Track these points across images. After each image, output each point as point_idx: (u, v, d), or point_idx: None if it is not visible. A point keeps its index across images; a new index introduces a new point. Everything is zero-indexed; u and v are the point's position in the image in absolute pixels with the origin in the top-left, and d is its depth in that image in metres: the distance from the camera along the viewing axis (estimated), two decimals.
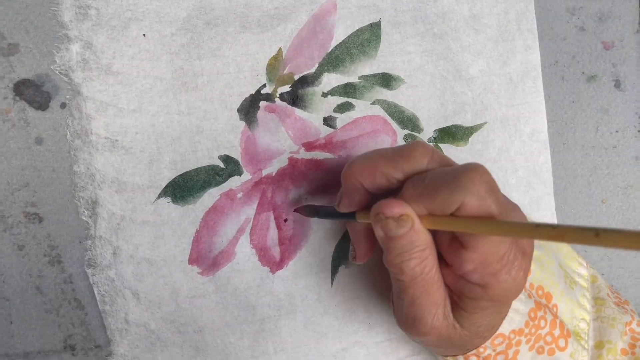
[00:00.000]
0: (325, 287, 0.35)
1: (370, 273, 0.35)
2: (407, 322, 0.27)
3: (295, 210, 0.33)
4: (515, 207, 0.26)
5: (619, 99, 0.40)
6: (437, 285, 0.26)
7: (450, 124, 0.36)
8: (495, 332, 0.28)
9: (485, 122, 0.37)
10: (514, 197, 0.38)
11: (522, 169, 0.38)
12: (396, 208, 0.24)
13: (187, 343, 0.33)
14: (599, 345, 0.32)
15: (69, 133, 0.31)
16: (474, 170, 0.23)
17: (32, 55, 0.30)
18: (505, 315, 0.28)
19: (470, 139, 0.37)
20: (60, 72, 0.30)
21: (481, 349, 0.28)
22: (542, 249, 0.33)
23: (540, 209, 0.39)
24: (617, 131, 0.40)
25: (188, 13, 0.32)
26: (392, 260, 0.25)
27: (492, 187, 0.23)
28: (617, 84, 0.40)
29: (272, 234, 0.34)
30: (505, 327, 0.28)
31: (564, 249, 0.36)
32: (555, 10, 0.39)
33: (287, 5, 0.33)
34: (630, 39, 0.40)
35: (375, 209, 0.25)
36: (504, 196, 0.26)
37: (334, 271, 0.35)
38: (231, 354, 0.33)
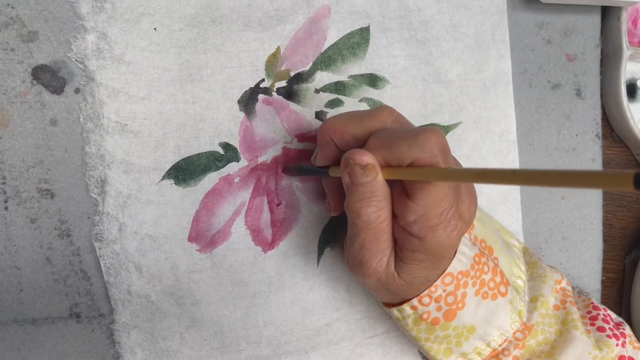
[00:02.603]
0: (312, 267, 0.38)
1: None
2: (355, 263, 0.30)
3: (282, 171, 0.36)
4: (459, 165, 0.30)
5: (579, 106, 0.44)
6: (386, 237, 0.29)
7: (429, 122, 0.40)
8: (429, 284, 0.31)
9: (460, 122, 0.41)
10: (485, 191, 0.42)
11: (493, 165, 0.42)
12: (365, 156, 0.27)
13: (185, 314, 0.35)
14: (533, 300, 0.36)
15: (82, 116, 0.33)
16: (431, 132, 0.26)
17: (50, 43, 0.33)
18: (441, 270, 0.31)
19: (446, 136, 0.41)
20: (76, 60, 0.33)
21: (433, 289, 0.31)
22: (481, 219, 0.37)
23: (507, 202, 0.43)
24: (577, 135, 0.44)
25: (196, 10, 0.35)
26: (352, 204, 0.28)
27: (444, 149, 0.27)
28: (578, 93, 0.44)
29: (265, 216, 0.37)
30: (454, 267, 0.31)
31: (496, 224, 0.39)
32: (526, 24, 0.43)
33: (286, 7, 0.36)
34: (591, 53, 0.44)
35: (346, 154, 0.28)
36: (455, 159, 0.30)
37: (320, 252, 0.38)
38: (224, 326, 0.36)
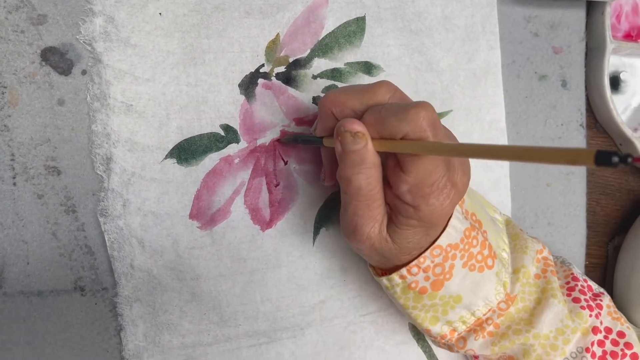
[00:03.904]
0: (308, 246, 0.39)
1: None
2: (349, 229, 0.32)
3: (278, 140, 0.38)
4: (452, 138, 0.32)
5: (565, 96, 0.46)
6: (378, 203, 0.30)
7: None
8: (421, 250, 0.32)
9: (451, 110, 0.43)
10: (475, 178, 0.43)
11: None
12: (355, 125, 0.29)
13: (185, 289, 0.37)
14: (515, 271, 0.38)
15: (88, 96, 0.34)
16: (421, 106, 0.28)
17: (59, 25, 0.34)
18: (432, 237, 0.32)
19: None
20: (84, 42, 0.34)
21: (421, 259, 0.32)
22: (469, 194, 0.38)
23: (498, 189, 0.45)
24: (562, 124, 0.46)
25: None
26: (344, 171, 0.30)
27: (434, 123, 0.28)
28: (564, 84, 0.46)
29: (264, 196, 0.38)
30: (443, 240, 0.32)
31: (481, 199, 0.41)
32: (514, 17, 0.45)
33: None
34: (577, 46, 0.46)
35: (339, 123, 0.30)
36: (445, 130, 0.31)
37: (316, 232, 0.40)
38: (223, 301, 0.37)
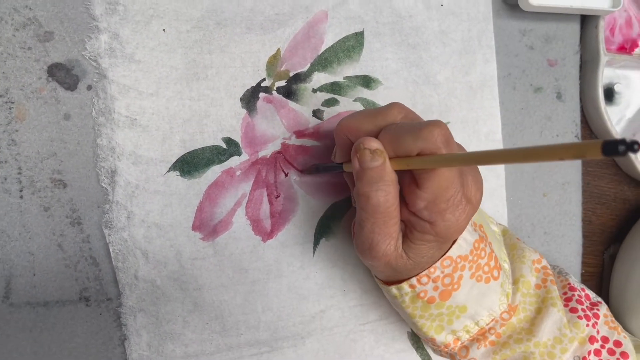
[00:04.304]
0: (308, 256, 0.40)
1: (346, 247, 0.41)
2: (364, 246, 0.32)
3: (301, 172, 0.39)
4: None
5: (560, 108, 0.47)
6: (395, 221, 0.31)
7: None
8: (433, 263, 0.33)
9: (448, 122, 0.44)
10: None
11: None
12: (373, 142, 0.30)
13: (187, 299, 0.37)
14: (515, 281, 0.38)
15: (94, 111, 0.35)
16: (434, 124, 0.28)
17: (65, 42, 0.35)
18: (444, 251, 0.33)
19: None
20: (89, 58, 0.35)
21: (432, 269, 0.33)
22: None
23: (494, 198, 0.45)
24: (557, 135, 0.47)
25: (202, 14, 0.37)
26: (362, 189, 0.30)
27: (448, 140, 0.29)
28: (559, 96, 0.47)
29: (265, 208, 0.39)
30: (454, 252, 0.33)
31: (480, 212, 0.42)
32: (510, 31, 0.46)
33: (286, 12, 0.39)
34: (571, 59, 0.47)
35: (357, 142, 0.30)
36: (461, 146, 0.32)
37: (316, 243, 0.40)
38: (225, 310, 0.38)
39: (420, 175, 0.29)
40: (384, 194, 0.30)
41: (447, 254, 0.33)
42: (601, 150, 0.17)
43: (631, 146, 0.17)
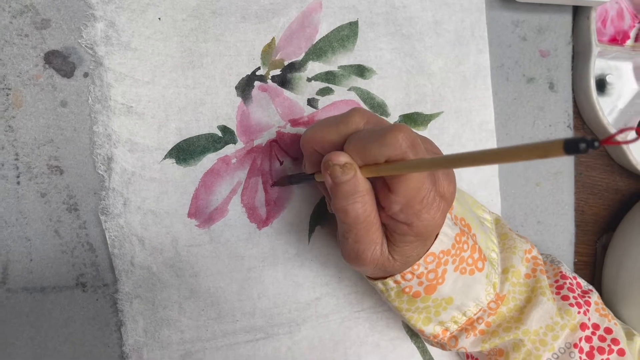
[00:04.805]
0: (303, 243, 0.40)
1: None
2: (351, 256, 0.32)
3: (272, 185, 0.39)
4: (433, 150, 0.33)
5: (552, 98, 0.48)
6: (376, 227, 0.31)
7: (412, 111, 0.43)
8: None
9: (442, 112, 0.44)
10: (465, 177, 0.45)
11: None
12: (342, 157, 0.29)
13: (183, 285, 0.38)
14: (505, 271, 0.39)
15: (90, 98, 0.36)
16: (397, 129, 0.28)
17: (62, 30, 0.35)
18: (430, 246, 0.33)
19: (429, 124, 0.44)
20: (86, 46, 0.35)
21: (415, 267, 0.33)
22: (457, 199, 0.39)
23: (487, 187, 0.46)
24: (550, 125, 0.48)
25: (197, 2, 0.37)
26: (338, 204, 0.30)
27: (413, 142, 0.28)
28: (551, 86, 0.48)
29: (260, 195, 0.39)
30: (436, 247, 0.33)
31: (469, 199, 0.42)
32: (503, 22, 0.46)
33: (280, 1, 0.39)
34: (563, 49, 0.48)
35: (325, 158, 0.30)
36: (426, 145, 0.32)
37: (311, 230, 0.41)
38: (221, 297, 0.38)
39: (391, 181, 0.29)
40: (361, 205, 0.30)
41: (430, 251, 0.33)
42: (563, 150, 0.18)
43: (591, 143, 0.17)
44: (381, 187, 0.30)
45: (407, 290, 0.35)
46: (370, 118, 0.31)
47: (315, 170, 0.34)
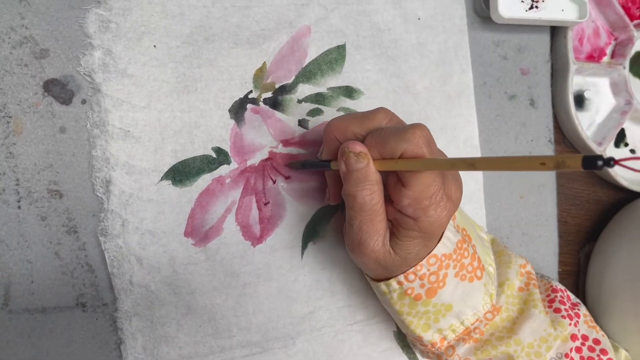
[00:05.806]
0: (297, 259, 0.42)
1: (333, 249, 0.43)
2: (354, 244, 0.34)
3: (287, 165, 0.41)
4: (444, 156, 0.35)
5: (533, 114, 0.50)
6: (381, 218, 0.33)
7: None
8: (420, 261, 0.35)
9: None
10: None
11: None
12: (358, 146, 0.32)
13: (181, 303, 0.39)
14: (501, 284, 0.41)
15: (88, 123, 0.37)
16: (416, 127, 0.31)
17: (60, 59, 0.37)
18: (430, 249, 0.35)
19: None
20: (84, 74, 0.37)
21: (418, 267, 0.35)
22: (460, 211, 0.41)
23: (472, 201, 0.48)
24: (532, 140, 0.50)
25: (191, 30, 0.39)
26: (348, 189, 0.33)
27: (429, 141, 0.31)
28: (532, 103, 0.50)
29: (254, 214, 0.41)
30: (438, 250, 0.35)
31: (469, 219, 0.44)
32: (484, 42, 0.48)
33: (271, 27, 0.41)
34: (542, 67, 0.50)
35: (343, 146, 0.33)
36: (439, 150, 0.34)
37: (304, 246, 0.42)
38: (217, 313, 0.40)
39: (404, 175, 0.32)
40: (369, 192, 0.32)
41: (433, 252, 0.35)
42: (582, 164, 0.20)
43: (608, 162, 0.19)
44: (394, 182, 0.33)
45: (409, 292, 0.36)
46: (393, 118, 0.34)
47: (331, 157, 0.36)
